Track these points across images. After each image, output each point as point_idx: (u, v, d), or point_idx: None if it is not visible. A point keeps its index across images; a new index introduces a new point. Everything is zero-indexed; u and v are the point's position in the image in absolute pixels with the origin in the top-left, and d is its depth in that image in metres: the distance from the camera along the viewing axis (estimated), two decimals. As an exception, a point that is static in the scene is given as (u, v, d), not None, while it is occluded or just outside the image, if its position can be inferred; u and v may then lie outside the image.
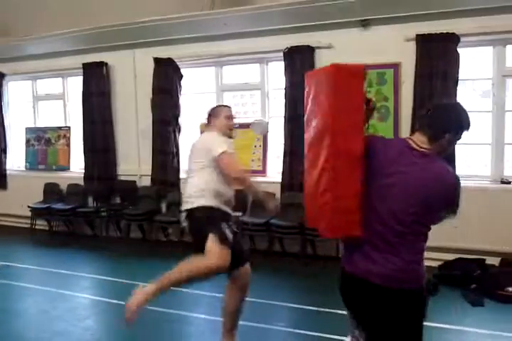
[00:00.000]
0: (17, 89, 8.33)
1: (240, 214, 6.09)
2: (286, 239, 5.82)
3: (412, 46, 5.29)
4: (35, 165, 7.90)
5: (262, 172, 6.26)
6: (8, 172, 8.07)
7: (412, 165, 2.05)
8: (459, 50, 5.15)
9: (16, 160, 8.32)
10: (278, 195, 6.01)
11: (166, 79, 6.59)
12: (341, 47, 5.66)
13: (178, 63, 6.56)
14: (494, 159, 5.45)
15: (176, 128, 6.66)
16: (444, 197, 2.07)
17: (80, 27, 6.65)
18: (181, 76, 6.62)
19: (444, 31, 5.13)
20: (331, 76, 2.03)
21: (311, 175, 2.17)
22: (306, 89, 2.27)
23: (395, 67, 5.42)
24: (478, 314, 4.14)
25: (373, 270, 2.05)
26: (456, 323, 3.92)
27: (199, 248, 3.19)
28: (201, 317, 4.26)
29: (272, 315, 4.25)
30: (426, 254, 2.10)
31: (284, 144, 5.99)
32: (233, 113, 3.70)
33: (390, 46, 5.43)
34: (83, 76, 7.19)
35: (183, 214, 3.38)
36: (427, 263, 2.14)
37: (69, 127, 7.73)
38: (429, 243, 2.10)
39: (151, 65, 6.65)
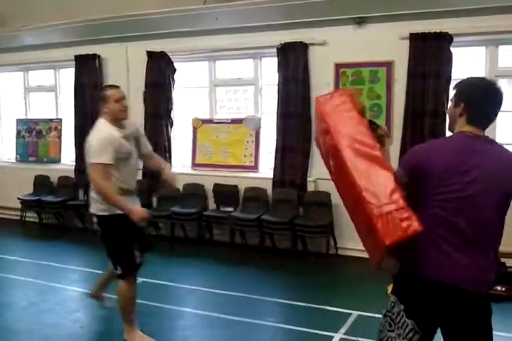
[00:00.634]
0: (8, 81, 8.26)
1: (231, 209, 6.13)
2: (277, 235, 5.85)
3: (406, 45, 5.31)
4: (26, 157, 7.85)
5: (254, 168, 6.27)
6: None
7: (482, 154, 1.99)
8: (452, 49, 5.17)
9: (6, 151, 8.26)
10: (269, 191, 6.04)
11: (159, 73, 6.57)
12: (335, 44, 5.68)
13: (171, 57, 6.53)
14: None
15: (169, 122, 6.65)
16: None
17: (73, 19, 6.61)
18: (174, 70, 6.59)
19: (438, 30, 5.14)
20: (317, 110, 2.20)
21: (346, 193, 2.16)
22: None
23: (388, 65, 5.44)
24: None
25: (463, 275, 1.93)
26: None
27: None
28: (190, 311, 4.29)
29: (261, 310, 4.29)
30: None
31: (276, 140, 6.01)
32: (123, 94, 3.62)
33: (383, 44, 5.44)
34: (75, 68, 7.14)
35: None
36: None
37: (60, 119, 7.68)
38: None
39: (144, 58, 6.62)
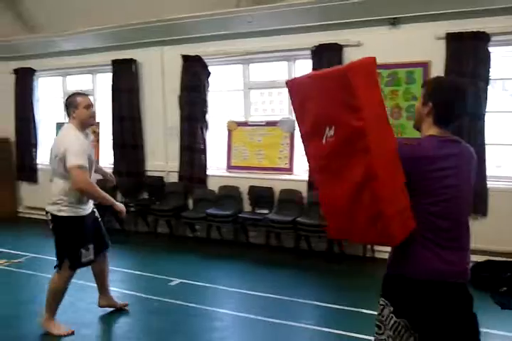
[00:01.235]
0: (47, 85, 8.47)
1: (266, 211, 6.16)
2: (313, 237, 5.84)
3: (442, 45, 5.23)
4: (65, 160, 8.03)
5: (289, 170, 6.28)
6: (39, 166, 8.26)
7: (457, 156, 2.08)
8: (489, 49, 5.09)
9: (47, 154, 8.44)
10: (304, 193, 6.04)
11: (194, 77, 6.64)
12: (370, 45, 5.62)
13: (205, 60, 6.60)
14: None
15: (204, 125, 6.71)
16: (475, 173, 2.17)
17: (110, 24, 6.75)
18: (209, 73, 6.66)
19: (475, 30, 5.06)
20: (346, 77, 1.84)
21: (338, 187, 2.00)
22: (294, 99, 2.12)
23: (425, 65, 5.36)
24: (506, 317, 4.12)
25: (449, 270, 2.04)
26: (484, 325, 3.90)
27: None
28: (227, 312, 4.31)
29: (298, 312, 4.30)
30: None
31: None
32: (91, 101, 3.83)
33: (419, 45, 5.37)
34: (112, 72, 7.28)
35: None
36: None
37: (98, 123, 7.83)
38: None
39: (179, 62, 6.71)
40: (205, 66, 6.62)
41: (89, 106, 3.75)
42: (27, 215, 8.45)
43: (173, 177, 6.97)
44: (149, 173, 7.23)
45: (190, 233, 6.70)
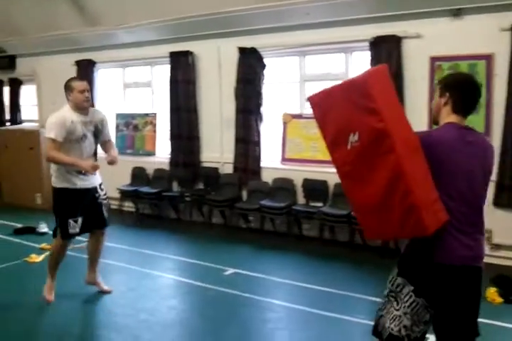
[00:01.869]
0: (107, 77, 8.72)
1: (320, 204, 6.16)
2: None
3: (507, 36, 5.05)
4: (124, 150, 8.25)
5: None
6: (98, 155, 8.49)
7: (472, 144, 2.22)
8: (558, 40, 4.89)
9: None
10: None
11: (250, 69, 6.68)
12: (430, 37, 5.50)
13: (261, 53, 6.63)
14: None
15: (258, 117, 6.76)
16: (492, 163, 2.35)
17: (167, 17, 6.86)
18: (264, 65, 6.68)
19: (542, 21, 4.88)
20: (366, 84, 2.06)
21: (367, 189, 2.13)
22: (316, 112, 2.35)
23: (488, 58, 5.20)
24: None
25: (470, 254, 2.20)
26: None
27: None
28: (280, 303, 4.37)
29: (352, 306, 4.31)
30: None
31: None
32: (86, 86, 4.14)
33: (482, 36, 5.20)
34: (170, 64, 7.40)
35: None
36: None
37: (155, 114, 8.02)
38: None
39: (235, 54, 6.76)
40: (260, 58, 6.64)
41: (83, 90, 4.08)
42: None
43: (228, 169, 7.06)
44: (205, 164, 7.35)
45: (244, 224, 6.79)
